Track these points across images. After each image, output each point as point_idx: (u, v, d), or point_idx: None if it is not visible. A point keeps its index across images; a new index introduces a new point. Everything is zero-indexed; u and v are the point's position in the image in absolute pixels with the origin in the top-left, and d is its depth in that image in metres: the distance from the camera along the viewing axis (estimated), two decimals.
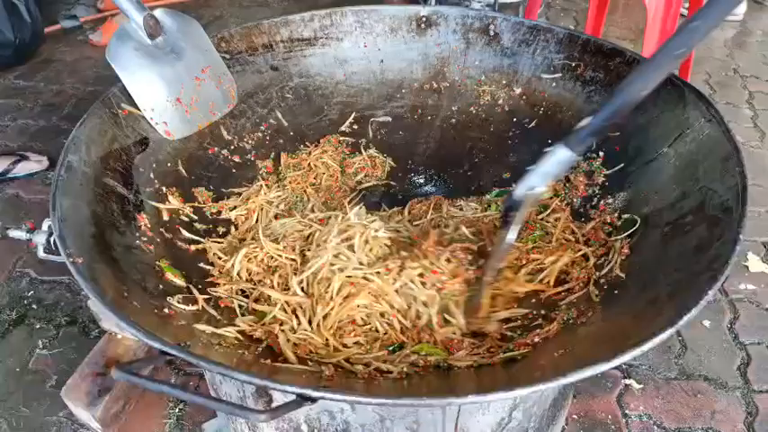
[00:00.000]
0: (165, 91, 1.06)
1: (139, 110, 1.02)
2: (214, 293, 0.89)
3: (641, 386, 1.32)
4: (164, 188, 1.01)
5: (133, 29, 1.04)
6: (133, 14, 1.03)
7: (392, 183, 1.24)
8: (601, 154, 1.04)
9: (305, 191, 1.18)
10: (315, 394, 0.54)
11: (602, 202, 1.01)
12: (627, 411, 1.27)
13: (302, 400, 0.54)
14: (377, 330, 0.83)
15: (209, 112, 1.14)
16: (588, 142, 0.81)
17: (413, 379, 0.70)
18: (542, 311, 0.85)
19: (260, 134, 1.21)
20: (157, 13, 1.06)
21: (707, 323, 1.45)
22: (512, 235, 0.85)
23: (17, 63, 2.59)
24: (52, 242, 1.35)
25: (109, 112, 0.98)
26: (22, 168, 1.96)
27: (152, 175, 1.00)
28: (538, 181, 0.83)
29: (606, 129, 0.79)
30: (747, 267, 1.58)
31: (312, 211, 1.11)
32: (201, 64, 1.12)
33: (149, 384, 0.54)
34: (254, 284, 0.93)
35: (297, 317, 0.85)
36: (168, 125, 1.06)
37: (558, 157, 0.81)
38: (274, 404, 0.67)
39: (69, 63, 2.66)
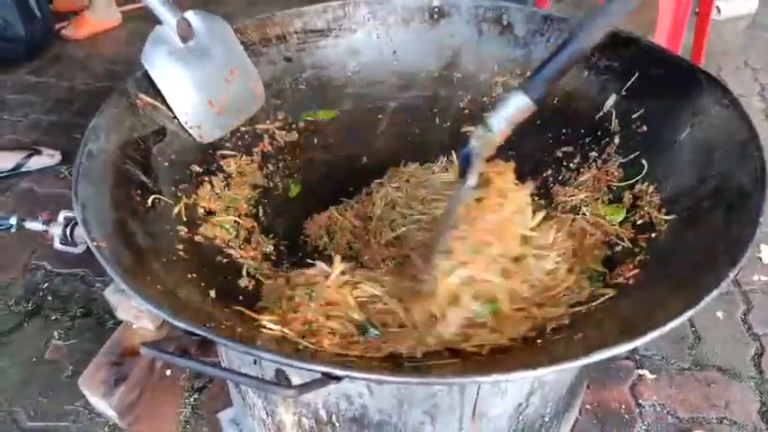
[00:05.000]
0: (198, 94, 1.07)
1: (158, 101, 1.03)
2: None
3: (654, 376, 1.32)
4: (178, 177, 1.02)
5: (166, 32, 1.04)
6: (167, 18, 1.03)
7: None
8: (616, 141, 1.04)
9: None
10: (340, 373, 0.55)
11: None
12: (640, 401, 1.27)
13: (327, 378, 0.55)
14: None
15: (239, 113, 1.15)
16: (543, 88, 0.82)
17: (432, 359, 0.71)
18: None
19: (274, 126, 1.22)
20: (189, 15, 1.07)
21: (720, 314, 1.45)
22: (471, 180, 0.83)
23: (28, 59, 2.61)
24: (68, 233, 1.37)
25: (126, 102, 0.99)
26: (35, 163, 1.98)
27: (170, 165, 1.01)
28: (493, 126, 0.84)
29: (561, 76, 0.82)
30: (760, 259, 1.57)
31: None
32: (230, 65, 1.13)
33: (178, 360, 0.55)
34: None
35: None
36: (201, 128, 1.07)
37: (515, 103, 0.83)
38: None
39: (80, 59, 2.68)
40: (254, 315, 0.82)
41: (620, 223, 0.94)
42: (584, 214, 0.97)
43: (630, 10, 0.79)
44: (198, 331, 0.58)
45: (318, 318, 0.80)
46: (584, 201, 0.99)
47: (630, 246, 0.88)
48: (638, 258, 0.83)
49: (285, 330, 0.78)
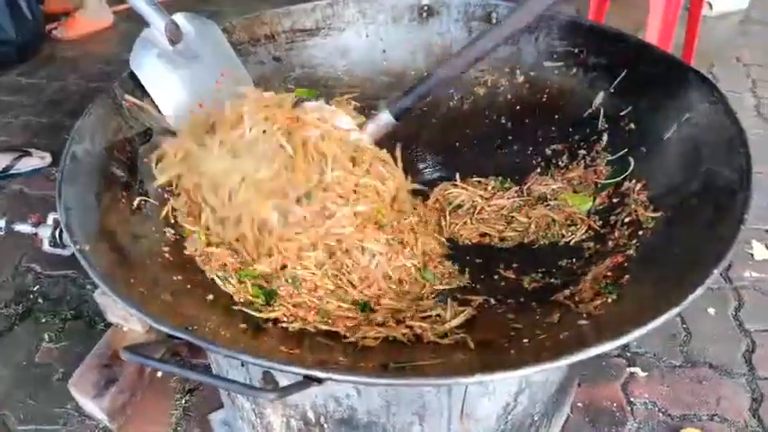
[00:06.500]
0: (187, 97, 1.06)
1: (145, 102, 1.02)
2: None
3: (646, 374, 1.32)
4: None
5: (154, 35, 1.04)
6: (155, 21, 1.03)
7: None
8: (604, 139, 1.04)
9: None
10: (322, 375, 0.55)
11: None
12: (632, 399, 1.27)
13: (309, 380, 0.55)
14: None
15: None
16: (403, 108, 0.99)
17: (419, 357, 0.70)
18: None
19: None
20: (177, 17, 1.06)
21: (711, 311, 1.45)
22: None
23: (19, 61, 2.59)
24: (57, 236, 1.36)
25: (112, 103, 0.99)
26: (25, 164, 1.97)
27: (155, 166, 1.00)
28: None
29: (424, 98, 0.98)
30: (752, 255, 1.57)
31: None
32: (220, 67, 1.12)
33: (158, 365, 0.54)
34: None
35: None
36: None
37: (382, 119, 0.98)
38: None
39: (72, 59, 2.67)
40: (265, 316, 0.83)
41: (601, 217, 0.96)
42: (548, 204, 1.01)
43: (504, 37, 0.91)
44: (178, 334, 0.57)
45: (314, 301, 0.85)
46: (556, 191, 1.02)
47: (588, 233, 0.93)
48: (625, 255, 0.83)
49: (306, 325, 0.82)
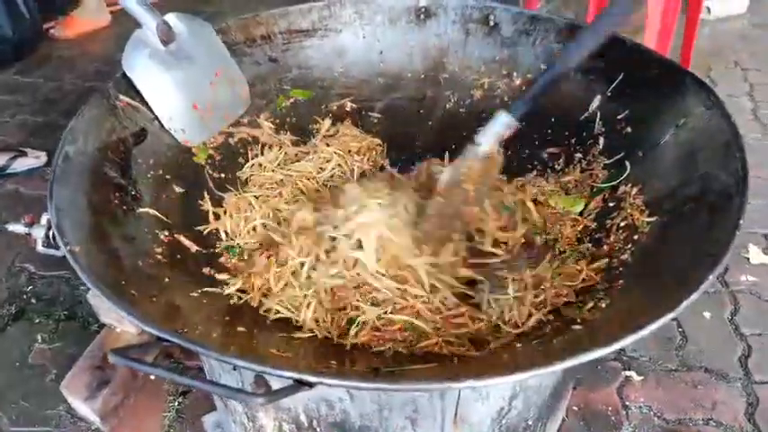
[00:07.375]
0: (181, 98, 1.05)
1: (139, 102, 1.02)
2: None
3: (642, 378, 1.31)
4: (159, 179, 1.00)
5: (146, 36, 1.03)
6: (147, 21, 1.02)
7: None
8: (600, 143, 1.04)
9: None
10: (312, 379, 0.54)
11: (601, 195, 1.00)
12: (627, 403, 1.27)
13: (300, 384, 0.54)
14: None
15: (224, 116, 1.14)
16: (525, 108, 0.93)
17: (411, 364, 0.70)
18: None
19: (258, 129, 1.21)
20: (170, 18, 1.05)
21: (707, 315, 1.44)
22: (445, 176, 0.97)
23: (16, 59, 2.59)
24: (51, 236, 1.36)
25: (107, 103, 0.98)
26: (20, 164, 1.96)
27: (150, 167, 1.00)
28: (483, 140, 0.95)
29: (542, 96, 0.93)
30: (748, 259, 1.57)
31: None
32: (214, 67, 1.11)
33: (144, 368, 0.54)
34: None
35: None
36: (186, 132, 1.06)
37: (501, 121, 0.94)
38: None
39: (68, 59, 2.66)
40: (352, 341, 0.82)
41: (597, 220, 0.95)
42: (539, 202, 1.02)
43: (602, 40, 0.90)
44: (168, 337, 0.57)
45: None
46: (550, 192, 1.02)
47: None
48: (620, 260, 0.82)
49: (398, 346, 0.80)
